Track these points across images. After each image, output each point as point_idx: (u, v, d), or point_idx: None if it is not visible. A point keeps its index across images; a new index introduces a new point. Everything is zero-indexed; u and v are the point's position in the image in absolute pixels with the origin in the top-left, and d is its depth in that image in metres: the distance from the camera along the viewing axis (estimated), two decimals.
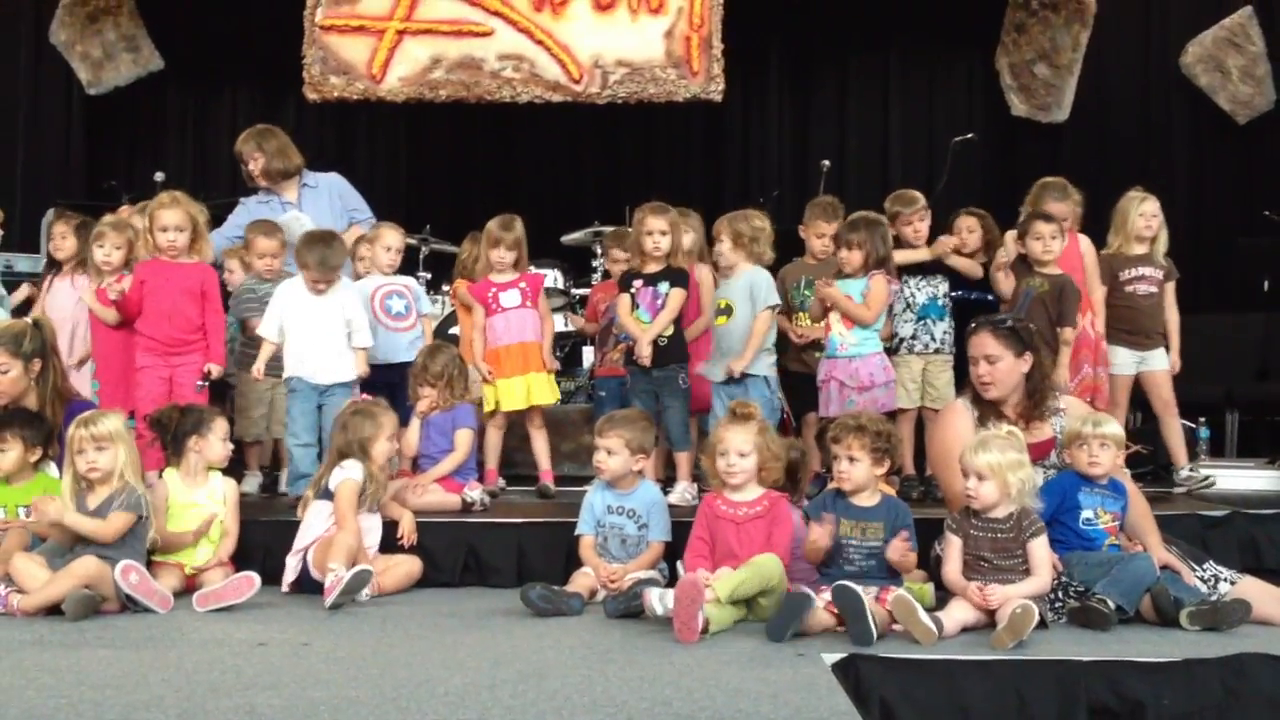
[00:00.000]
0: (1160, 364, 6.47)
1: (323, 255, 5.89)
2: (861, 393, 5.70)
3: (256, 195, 7.16)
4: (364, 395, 5.63)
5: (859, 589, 4.10)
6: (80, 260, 6.52)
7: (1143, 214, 6.47)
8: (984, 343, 4.96)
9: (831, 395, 5.79)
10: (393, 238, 6.54)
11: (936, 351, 6.24)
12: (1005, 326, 4.98)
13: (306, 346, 5.90)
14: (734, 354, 5.80)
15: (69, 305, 6.52)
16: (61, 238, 6.62)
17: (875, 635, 4.03)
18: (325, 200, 7.03)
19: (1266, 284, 8.61)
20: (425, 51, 9.18)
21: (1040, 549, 4.37)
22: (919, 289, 6.29)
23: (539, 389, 6.31)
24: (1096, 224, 6.75)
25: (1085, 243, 6.41)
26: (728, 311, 5.90)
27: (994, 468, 4.37)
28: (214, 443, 5.18)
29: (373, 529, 5.18)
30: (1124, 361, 6.42)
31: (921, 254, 6.32)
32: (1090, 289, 6.30)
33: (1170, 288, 6.56)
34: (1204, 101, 10.00)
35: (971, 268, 6.40)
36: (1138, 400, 6.65)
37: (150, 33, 10.17)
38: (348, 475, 5.08)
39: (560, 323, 8.32)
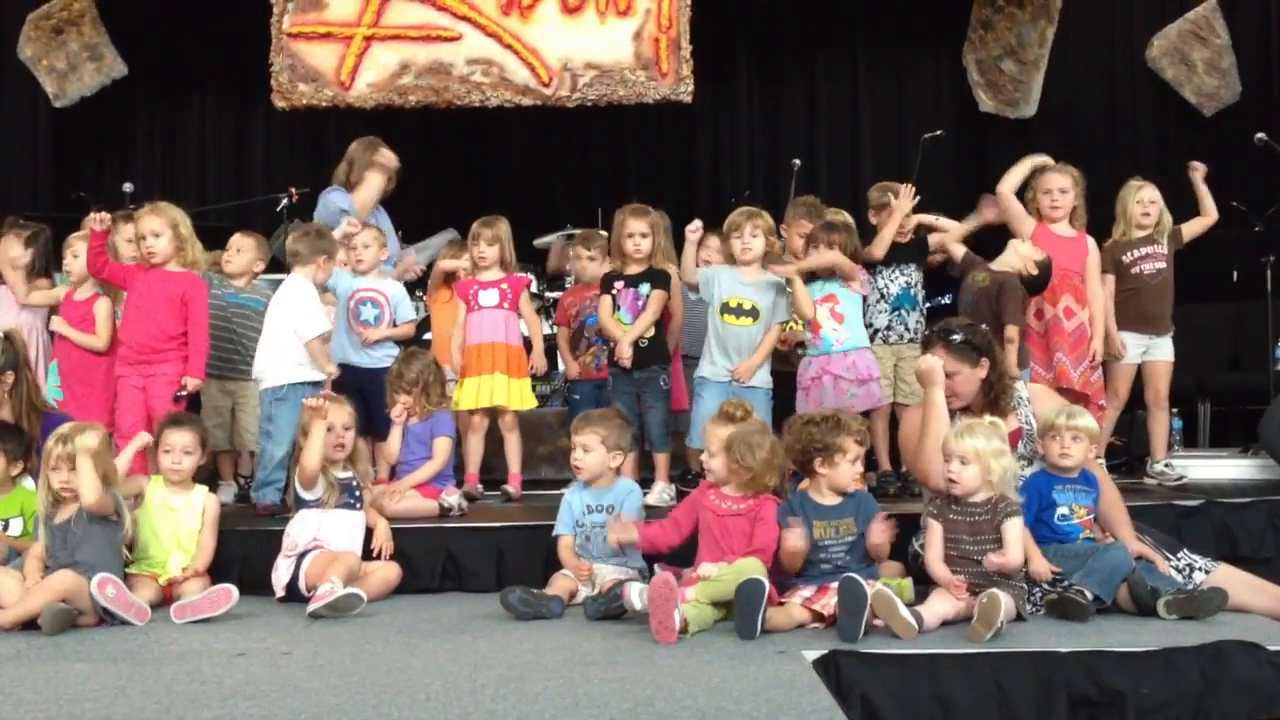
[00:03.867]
0: (1164, 354, 6.51)
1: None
2: (860, 385, 5.71)
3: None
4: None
5: (866, 585, 4.12)
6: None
7: (1139, 201, 6.54)
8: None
9: (826, 390, 5.73)
10: (368, 235, 6.48)
11: (910, 341, 6.23)
12: (958, 342, 4.93)
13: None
14: (742, 358, 5.80)
15: (10, 317, 6.39)
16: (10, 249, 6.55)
17: (862, 633, 4.05)
18: (387, 224, 7.13)
19: (1236, 274, 8.66)
20: (394, 57, 9.16)
21: (1013, 529, 4.37)
22: (892, 279, 6.28)
23: (501, 390, 6.21)
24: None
25: (1090, 242, 6.42)
26: (754, 314, 5.85)
27: (978, 453, 4.40)
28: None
29: (359, 528, 5.20)
30: (1129, 348, 6.44)
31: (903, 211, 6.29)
32: (1089, 284, 6.30)
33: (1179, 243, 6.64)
34: (1170, 94, 10.08)
35: (954, 225, 6.54)
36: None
37: (115, 42, 10.10)
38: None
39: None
